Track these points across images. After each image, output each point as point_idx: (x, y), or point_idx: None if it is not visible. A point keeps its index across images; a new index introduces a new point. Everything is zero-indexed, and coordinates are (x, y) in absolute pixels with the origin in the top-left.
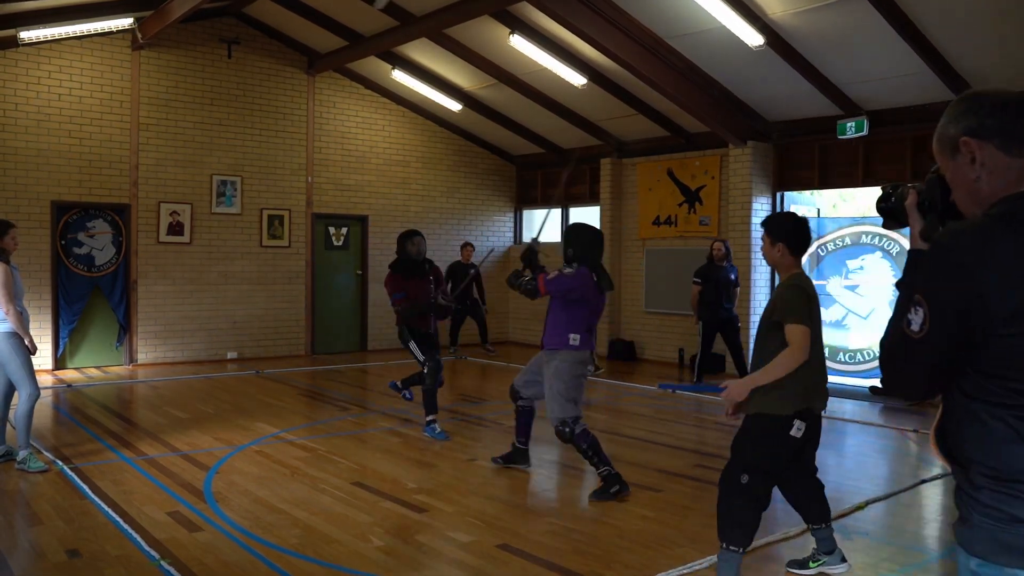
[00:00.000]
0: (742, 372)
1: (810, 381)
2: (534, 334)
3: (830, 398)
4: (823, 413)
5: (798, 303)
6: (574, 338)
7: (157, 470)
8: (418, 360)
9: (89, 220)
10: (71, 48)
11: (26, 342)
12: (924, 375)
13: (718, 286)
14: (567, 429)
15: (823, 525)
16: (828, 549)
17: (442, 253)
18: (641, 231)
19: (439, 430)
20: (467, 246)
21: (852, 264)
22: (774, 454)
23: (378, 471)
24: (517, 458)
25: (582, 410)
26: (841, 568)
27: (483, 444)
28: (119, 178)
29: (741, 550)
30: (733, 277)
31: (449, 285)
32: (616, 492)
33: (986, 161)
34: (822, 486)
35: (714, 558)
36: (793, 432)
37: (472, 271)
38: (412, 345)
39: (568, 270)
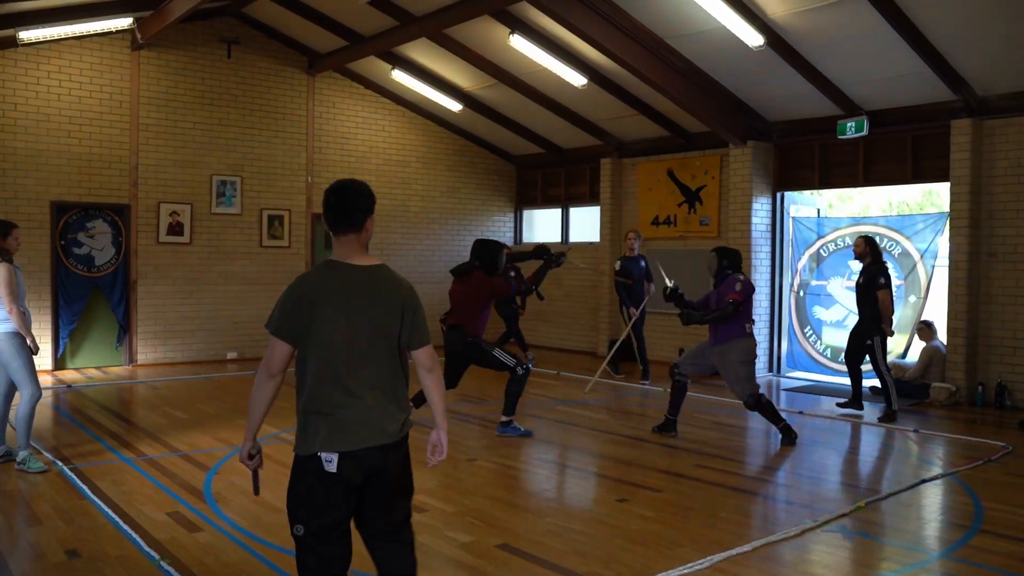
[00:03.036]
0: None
1: (320, 407)
2: (536, 334)
3: (831, 398)
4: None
5: (278, 307)
6: (749, 326)
7: (157, 470)
8: (512, 363)
9: (89, 220)
10: (70, 48)
11: (28, 342)
12: None
13: (858, 290)
14: (752, 400)
15: None
16: None
17: (442, 253)
18: (641, 231)
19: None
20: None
21: (855, 265)
22: (309, 500)
23: None
24: (669, 428)
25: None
26: None
27: (483, 444)
28: (119, 178)
29: None
30: (883, 280)
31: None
32: (792, 439)
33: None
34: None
35: (715, 558)
36: (327, 468)
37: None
38: (499, 352)
39: (740, 277)
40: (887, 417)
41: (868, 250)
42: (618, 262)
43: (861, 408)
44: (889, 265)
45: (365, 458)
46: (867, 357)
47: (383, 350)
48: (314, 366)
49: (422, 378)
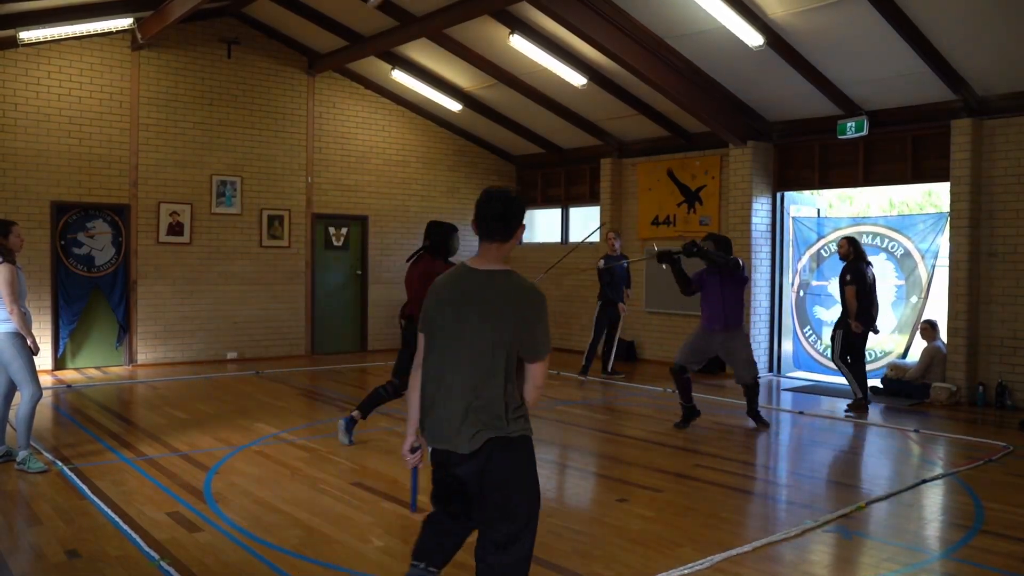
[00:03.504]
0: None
1: (425, 401)
2: None
3: (831, 398)
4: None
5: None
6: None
7: (157, 470)
8: None
9: (89, 220)
10: (71, 48)
11: (28, 342)
12: None
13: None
14: (754, 380)
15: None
16: None
17: None
18: (641, 231)
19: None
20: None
21: None
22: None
23: (378, 471)
24: (692, 415)
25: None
26: None
27: None
28: (119, 178)
29: (417, 563)
30: (848, 277)
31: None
32: (763, 425)
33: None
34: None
35: (715, 558)
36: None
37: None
38: None
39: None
40: (856, 405)
41: (851, 250)
42: (602, 260)
43: (866, 409)
44: (891, 266)
45: (447, 458)
46: (865, 355)
47: (486, 357)
48: (428, 362)
49: (524, 389)
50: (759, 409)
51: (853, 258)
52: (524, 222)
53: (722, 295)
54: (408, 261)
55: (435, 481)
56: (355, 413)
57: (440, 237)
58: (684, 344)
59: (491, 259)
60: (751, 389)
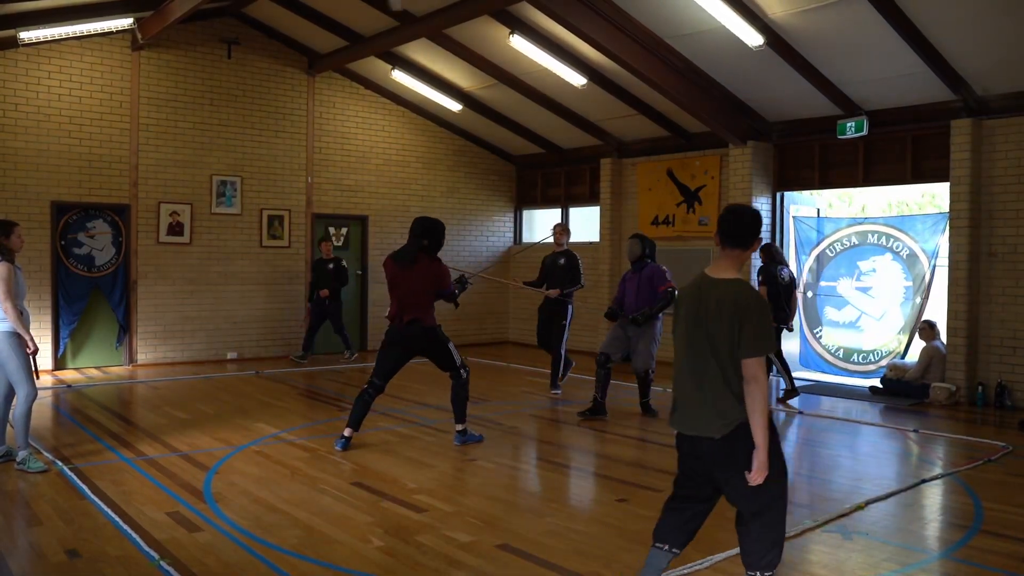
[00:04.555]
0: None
1: (675, 393)
2: (532, 334)
3: (832, 398)
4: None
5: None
6: None
7: (157, 470)
8: (459, 362)
9: (89, 220)
10: (71, 48)
11: (27, 341)
12: None
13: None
14: (645, 373)
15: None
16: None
17: (442, 254)
18: (641, 231)
19: (478, 434)
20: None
21: (864, 266)
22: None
23: (378, 471)
24: (600, 411)
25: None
26: None
27: (483, 444)
28: (119, 178)
29: (660, 545)
30: (760, 278)
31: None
32: (652, 414)
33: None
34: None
35: (715, 558)
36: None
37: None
38: (452, 346)
39: (664, 267)
40: (789, 394)
41: (764, 256)
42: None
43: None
44: (898, 267)
45: (687, 441)
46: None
47: (711, 354)
48: (676, 360)
49: (744, 388)
50: (648, 401)
51: (767, 262)
52: (760, 235)
53: (636, 292)
54: (395, 259)
55: (681, 464)
56: (347, 431)
57: (439, 237)
58: (607, 336)
59: (724, 267)
60: (642, 380)
